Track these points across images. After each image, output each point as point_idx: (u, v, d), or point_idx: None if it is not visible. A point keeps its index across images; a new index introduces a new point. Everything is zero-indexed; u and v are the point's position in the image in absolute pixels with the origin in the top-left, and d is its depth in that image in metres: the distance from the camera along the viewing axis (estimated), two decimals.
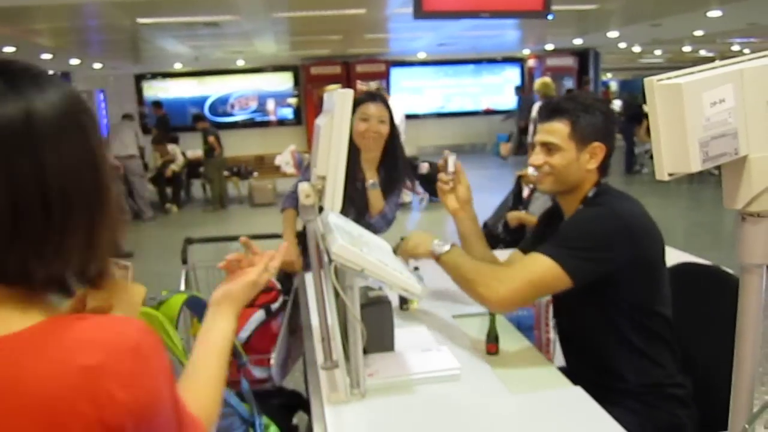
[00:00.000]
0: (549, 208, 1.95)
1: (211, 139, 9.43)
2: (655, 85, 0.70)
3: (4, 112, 0.66)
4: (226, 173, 10.07)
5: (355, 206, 2.50)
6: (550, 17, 3.95)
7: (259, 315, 2.16)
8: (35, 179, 0.66)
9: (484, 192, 9.44)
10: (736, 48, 17.13)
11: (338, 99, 1.37)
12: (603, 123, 1.68)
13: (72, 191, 0.70)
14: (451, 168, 1.90)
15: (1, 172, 0.65)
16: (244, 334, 1.93)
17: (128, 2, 6.32)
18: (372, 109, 2.46)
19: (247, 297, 1.11)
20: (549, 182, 1.73)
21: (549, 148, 1.69)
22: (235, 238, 2.54)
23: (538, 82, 7.81)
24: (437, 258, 1.72)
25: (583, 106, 1.67)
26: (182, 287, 2.86)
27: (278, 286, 2.36)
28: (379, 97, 2.55)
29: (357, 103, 2.47)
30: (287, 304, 2.28)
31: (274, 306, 2.26)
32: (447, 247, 1.71)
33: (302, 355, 2.50)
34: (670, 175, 0.70)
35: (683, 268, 1.96)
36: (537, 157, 1.73)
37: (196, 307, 1.42)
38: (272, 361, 1.82)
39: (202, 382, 0.97)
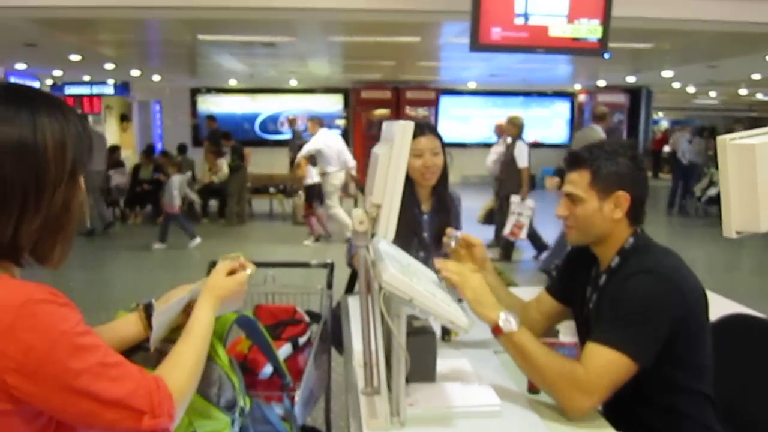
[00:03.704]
0: (578, 248, 1.87)
1: (247, 151, 9.87)
2: (727, 145, 0.70)
3: None
4: (272, 190, 10.28)
5: (417, 235, 2.47)
6: (606, 56, 3.94)
7: (285, 349, 2.12)
8: None
9: None
10: None
11: (398, 130, 1.40)
12: (627, 170, 1.62)
13: (10, 183, 0.95)
14: (453, 245, 1.93)
15: None
16: (269, 369, 1.89)
17: (190, 19, 6.54)
18: (423, 142, 2.40)
19: (222, 285, 1.28)
20: (575, 234, 1.70)
21: (572, 198, 1.67)
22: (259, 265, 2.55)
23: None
24: (500, 333, 1.58)
25: (606, 153, 1.63)
26: None
27: (306, 318, 2.33)
28: (428, 127, 2.49)
29: None
30: (315, 339, 2.23)
31: (302, 340, 2.21)
32: (515, 326, 1.56)
33: (324, 391, 2.47)
34: (738, 233, 0.69)
35: (733, 319, 1.92)
36: (561, 208, 1.70)
37: (246, 326, 1.46)
38: (296, 398, 1.80)
39: (174, 359, 1.13)
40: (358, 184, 8.90)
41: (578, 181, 1.65)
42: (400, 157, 1.41)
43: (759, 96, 17.78)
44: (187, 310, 1.28)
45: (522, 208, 7.08)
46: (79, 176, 1.04)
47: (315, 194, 8.40)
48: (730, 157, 0.69)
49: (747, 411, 1.75)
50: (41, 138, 0.97)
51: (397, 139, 1.41)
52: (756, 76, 11.76)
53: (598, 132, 6.88)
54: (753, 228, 0.70)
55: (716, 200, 10.98)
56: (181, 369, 1.11)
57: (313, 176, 8.37)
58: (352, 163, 8.39)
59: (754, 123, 19.00)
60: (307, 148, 8.21)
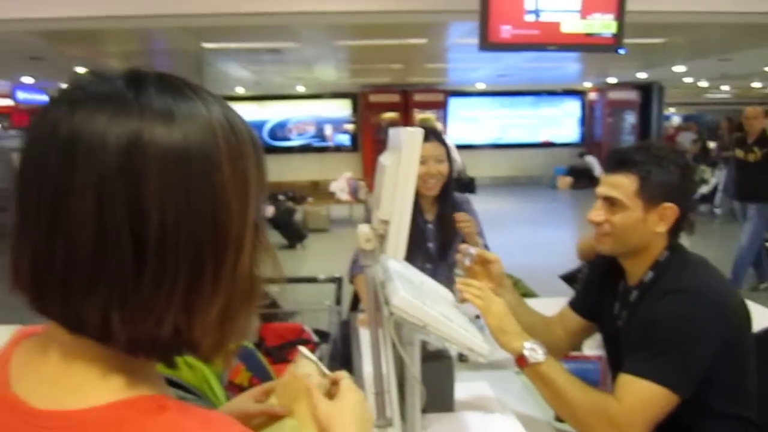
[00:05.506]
0: (601, 260, 1.71)
1: None
2: None
3: (113, 131, 0.51)
4: (281, 197, 10.20)
5: (422, 246, 2.39)
6: (621, 51, 3.80)
7: None
8: (131, 213, 0.50)
9: (539, 226, 9.25)
10: None
11: (406, 138, 1.27)
12: (678, 181, 1.47)
13: (177, 237, 0.52)
14: (468, 263, 1.77)
15: (93, 199, 0.50)
16: None
17: (194, 28, 6.46)
18: (428, 149, 2.30)
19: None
20: (608, 243, 1.54)
21: (612, 203, 1.50)
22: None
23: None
24: (525, 364, 1.44)
25: (657, 159, 1.47)
26: None
27: (315, 338, 2.19)
28: (433, 133, 2.38)
29: None
30: (324, 360, 2.11)
31: None
32: (542, 356, 1.42)
33: None
34: None
35: None
36: (597, 212, 1.53)
37: (244, 356, 1.33)
38: None
39: None
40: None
41: (623, 185, 1.48)
42: (409, 167, 1.27)
43: None
44: None
45: None
46: (260, 226, 0.61)
47: None
48: None
49: None
50: (217, 152, 0.55)
51: (405, 148, 1.28)
52: None
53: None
54: None
55: (708, 198, 10.47)
56: None
57: None
58: None
59: None
60: None
